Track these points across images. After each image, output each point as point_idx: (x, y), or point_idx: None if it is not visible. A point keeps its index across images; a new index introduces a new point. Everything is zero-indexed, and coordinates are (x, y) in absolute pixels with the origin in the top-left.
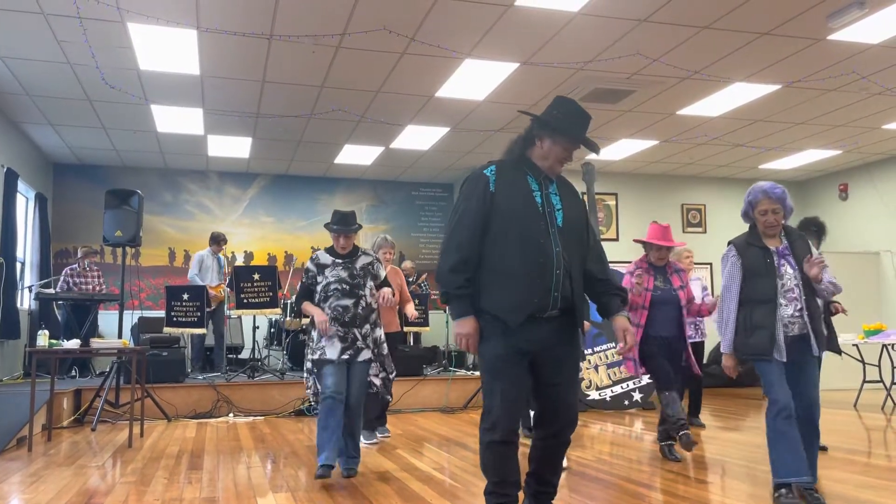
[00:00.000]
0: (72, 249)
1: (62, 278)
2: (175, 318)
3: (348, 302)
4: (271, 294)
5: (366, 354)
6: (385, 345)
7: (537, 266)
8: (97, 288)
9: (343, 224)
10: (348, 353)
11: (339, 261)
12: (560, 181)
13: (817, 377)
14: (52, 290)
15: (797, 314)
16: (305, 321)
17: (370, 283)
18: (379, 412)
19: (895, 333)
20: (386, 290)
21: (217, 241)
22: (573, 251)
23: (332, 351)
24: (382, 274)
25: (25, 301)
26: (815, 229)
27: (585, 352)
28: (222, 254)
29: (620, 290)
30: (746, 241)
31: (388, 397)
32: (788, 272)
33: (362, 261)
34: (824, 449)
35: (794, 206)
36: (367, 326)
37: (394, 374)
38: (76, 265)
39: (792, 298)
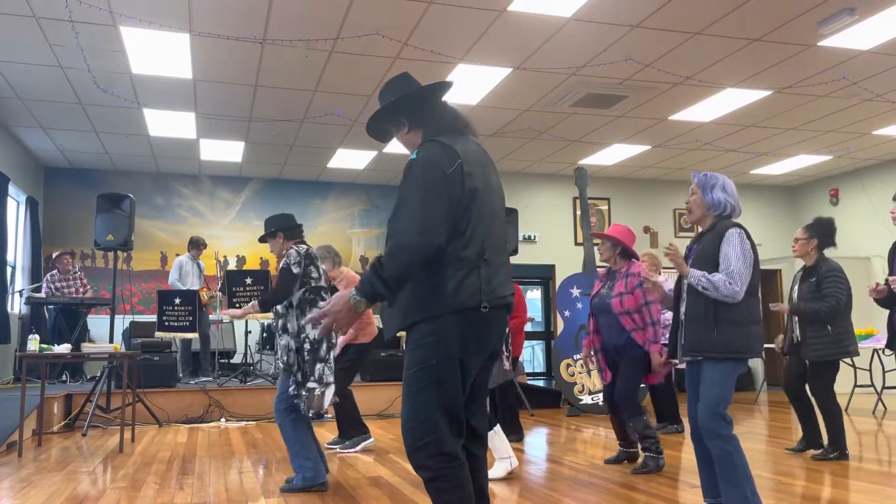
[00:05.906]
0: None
1: (44, 285)
2: (167, 323)
3: (271, 316)
4: None
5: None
6: (309, 350)
7: None
8: (80, 291)
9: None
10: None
11: None
12: None
13: (708, 389)
14: (42, 295)
15: (684, 316)
16: None
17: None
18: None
19: (885, 338)
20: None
21: (197, 245)
22: None
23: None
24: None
25: (16, 305)
26: (812, 224)
27: (576, 356)
28: (201, 258)
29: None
30: None
31: (302, 411)
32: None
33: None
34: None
35: (787, 211)
36: (278, 333)
37: (320, 389)
38: (55, 270)
39: (685, 298)
